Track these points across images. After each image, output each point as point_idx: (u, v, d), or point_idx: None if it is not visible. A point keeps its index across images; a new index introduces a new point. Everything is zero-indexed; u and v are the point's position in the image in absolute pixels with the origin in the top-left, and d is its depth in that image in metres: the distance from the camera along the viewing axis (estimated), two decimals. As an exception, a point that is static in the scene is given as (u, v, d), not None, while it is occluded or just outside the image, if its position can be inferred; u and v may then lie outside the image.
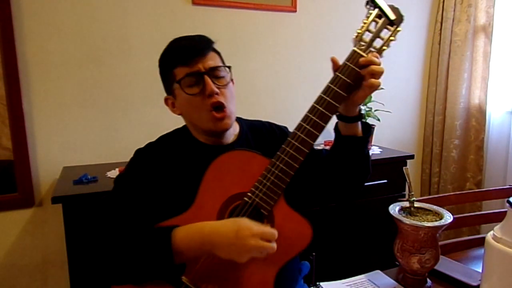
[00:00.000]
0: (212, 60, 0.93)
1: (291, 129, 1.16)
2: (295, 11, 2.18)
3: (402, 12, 0.86)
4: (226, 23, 2.02)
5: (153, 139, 1.01)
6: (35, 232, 1.79)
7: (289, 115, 2.23)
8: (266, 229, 0.79)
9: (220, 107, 0.92)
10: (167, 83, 0.98)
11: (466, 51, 2.46)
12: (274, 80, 2.19)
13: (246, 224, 0.78)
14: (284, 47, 2.20)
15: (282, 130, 1.12)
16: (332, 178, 1.01)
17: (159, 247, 0.79)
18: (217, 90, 0.91)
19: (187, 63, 0.91)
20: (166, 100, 1.01)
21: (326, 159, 1.02)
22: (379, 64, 0.83)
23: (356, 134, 0.94)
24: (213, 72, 0.93)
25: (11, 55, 1.63)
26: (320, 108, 0.84)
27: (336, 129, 0.97)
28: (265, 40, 2.14)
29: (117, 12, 1.82)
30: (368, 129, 0.97)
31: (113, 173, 1.67)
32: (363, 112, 0.93)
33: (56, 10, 1.72)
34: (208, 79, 0.91)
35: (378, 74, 0.83)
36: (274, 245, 0.78)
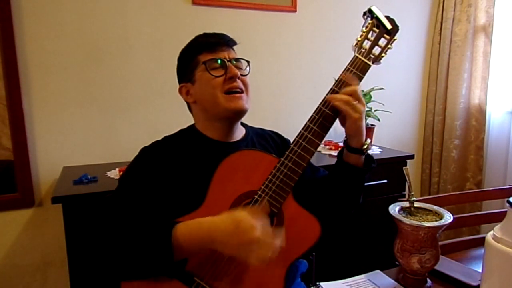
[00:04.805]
0: (234, 54, 1.02)
1: (287, 129, 1.18)
2: (295, 11, 2.18)
3: (398, 22, 0.92)
4: (226, 23, 2.02)
5: (153, 139, 1.01)
6: (35, 232, 1.79)
7: (289, 115, 2.23)
8: (265, 223, 0.79)
9: (238, 91, 0.98)
10: (187, 70, 1.01)
11: (466, 51, 2.46)
12: (274, 80, 2.19)
13: (246, 217, 0.77)
14: (284, 47, 2.20)
15: (285, 141, 1.15)
16: (323, 199, 1.02)
17: (159, 242, 0.79)
18: (239, 74, 0.98)
19: (213, 50, 0.98)
20: (180, 88, 1.04)
21: (322, 180, 1.05)
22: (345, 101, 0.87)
23: (356, 165, 0.96)
24: (236, 63, 1.00)
25: (11, 55, 1.63)
26: (326, 110, 0.88)
27: (340, 152, 1.00)
28: (265, 40, 2.14)
29: (117, 12, 1.82)
30: (370, 165, 0.98)
31: (113, 173, 1.67)
32: (368, 143, 0.94)
33: (56, 10, 1.72)
34: (231, 65, 0.98)
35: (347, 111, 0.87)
36: (277, 242, 0.77)
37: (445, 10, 2.53)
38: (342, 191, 1.00)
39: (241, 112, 0.99)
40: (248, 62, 1.03)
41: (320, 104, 0.90)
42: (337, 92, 0.88)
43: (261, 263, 0.76)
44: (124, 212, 0.87)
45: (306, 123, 0.89)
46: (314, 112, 0.90)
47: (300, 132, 0.89)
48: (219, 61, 0.97)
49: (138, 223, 0.85)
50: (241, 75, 0.99)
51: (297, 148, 0.88)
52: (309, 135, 0.88)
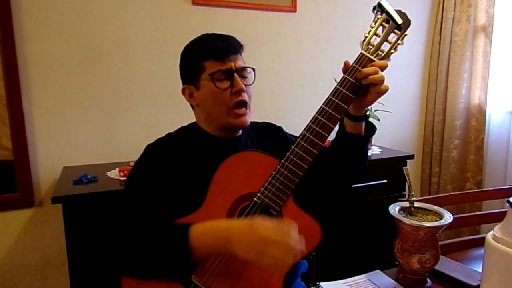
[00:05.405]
0: (241, 61, 0.99)
1: (287, 129, 1.18)
2: (295, 11, 2.18)
3: (409, 17, 0.88)
4: (226, 23, 2.02)
5: (154, 139, 1.01)
6: (35, 232, 1.78)
7: (289, 115, 2.23)
8: (279, 222, 0.76)
9: (243, 104, 0.96)
10: (192, 73, 0.99)
11: (466, 51, 2.46)
12: (274, 80, 2.19)
13: (259, 219, 0.77)
14: (284, 47, 2.19)
15: (278, 128, 1.16)
16: (328, 172, 1.04)
17: (177, 244, 0.79)
18: (244, 88, 0.96)
19: (221, 59, 0.95)
20: (183, 89, 1.03)
21: (324, 154, 1.04)
22: (376, 73, 0.85)
23: (360, 133, 0.98)
24: (242, 72, 0.98)
25: (11, 55, 1.63)
26: (329, 110, 0.87)
27: (341, 124, 1.00)
28: (265, 40, 2.14)
29: (117, 12, 1.82)
30: (371, 129, 1.00)
31: (113, 173, 1.67)
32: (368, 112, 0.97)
33: (56, 10, 1.72)
34: (237, 77, 0.95)
35: (379, 82, 0.86)
36: (296, 245, 0.74)
37: (445, 10, 2.53)
38: (351, 159, 1.01)
39: (243, 128, 1.01)
40: (253, 69, 1.02)
41: (338, 83, 0.87)
42: (358, 69, 0.87)
43: (277, 267, 0.73)
44: (136, 211, 0.88)
45: (308, 124, 0.88)
46: (323, 103, 0.87)
47: (303, 132, 0.88)
48: (224, 72, 0.95)
49: (152, 223, 0.85)
50: (245, 85, 0.97)
51: (298, 150, 0.86)
52: (311, 136, 0.86)
